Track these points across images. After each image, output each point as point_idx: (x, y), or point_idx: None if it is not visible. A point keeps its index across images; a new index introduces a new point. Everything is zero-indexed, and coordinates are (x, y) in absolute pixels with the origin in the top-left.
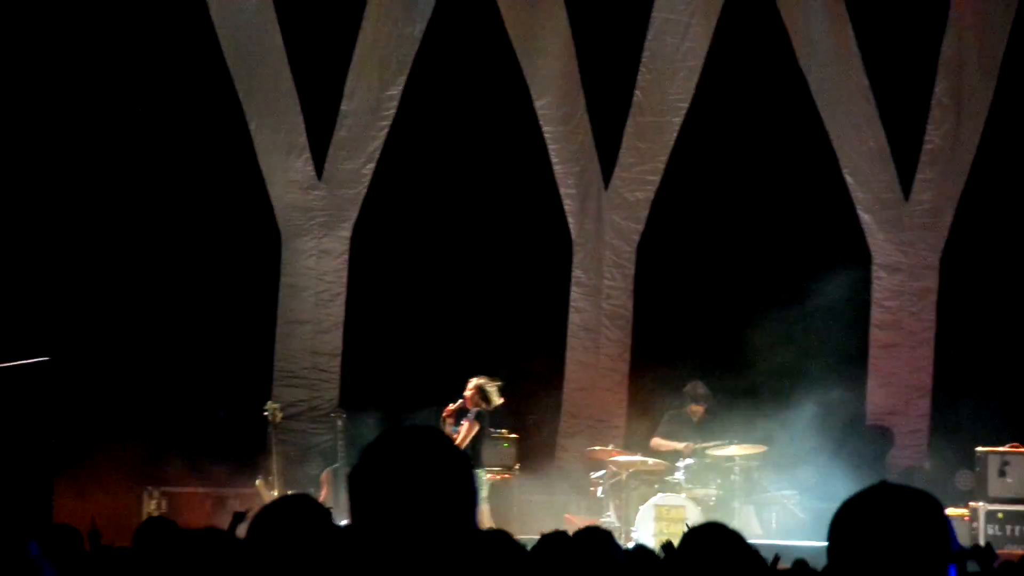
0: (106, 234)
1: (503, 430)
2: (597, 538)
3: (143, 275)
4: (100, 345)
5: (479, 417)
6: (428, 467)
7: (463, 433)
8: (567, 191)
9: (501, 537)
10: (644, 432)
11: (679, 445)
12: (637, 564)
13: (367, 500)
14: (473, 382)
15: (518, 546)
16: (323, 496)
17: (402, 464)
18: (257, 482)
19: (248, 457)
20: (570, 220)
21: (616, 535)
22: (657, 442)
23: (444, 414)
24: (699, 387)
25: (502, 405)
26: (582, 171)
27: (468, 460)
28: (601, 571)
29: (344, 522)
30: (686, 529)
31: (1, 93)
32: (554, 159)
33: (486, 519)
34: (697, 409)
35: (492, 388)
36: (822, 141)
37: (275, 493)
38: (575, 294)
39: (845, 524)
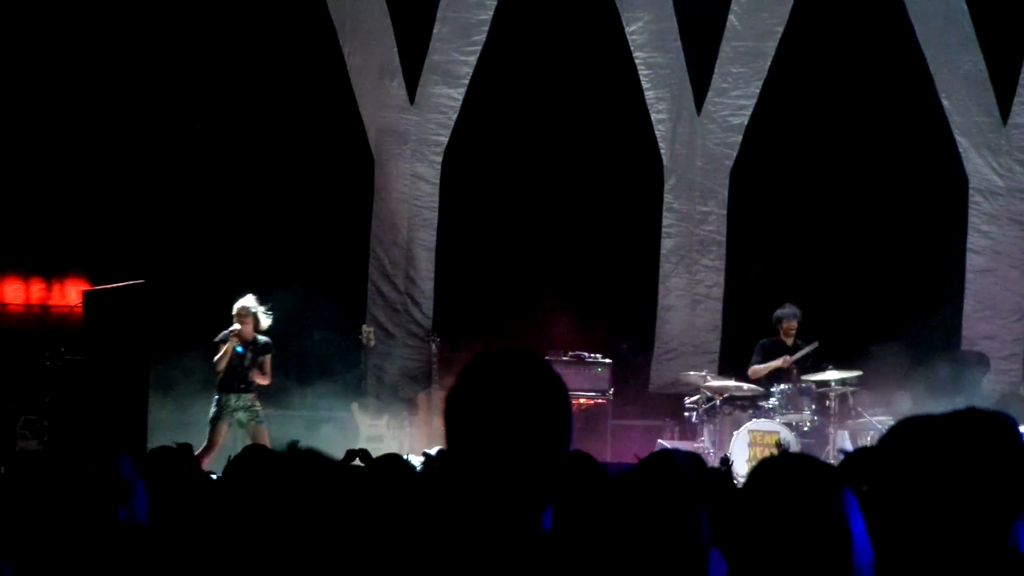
0: (202, 160)
1: (597, 355)
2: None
3: (239, 199)
4: (196, 269)
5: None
6: (524, 390)
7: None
8: (658, 116)
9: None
10: (738, 357)
11: (777, 362)
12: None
13: (463, 422)
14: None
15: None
16: (417, 419)
17: (499, 387)
18: (352, 405)
19: (343, 380)
20: (662, 146)
21: (709, 460)
22: (755, 369)
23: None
24: (789, 306)
25: (597, 329)
26: (674, 96)
27: (564, 385)
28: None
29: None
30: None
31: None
32: (645, 85)
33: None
34: (790, 327)
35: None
36: (918, 64)
37: (369, 416)
38: (667, 220)
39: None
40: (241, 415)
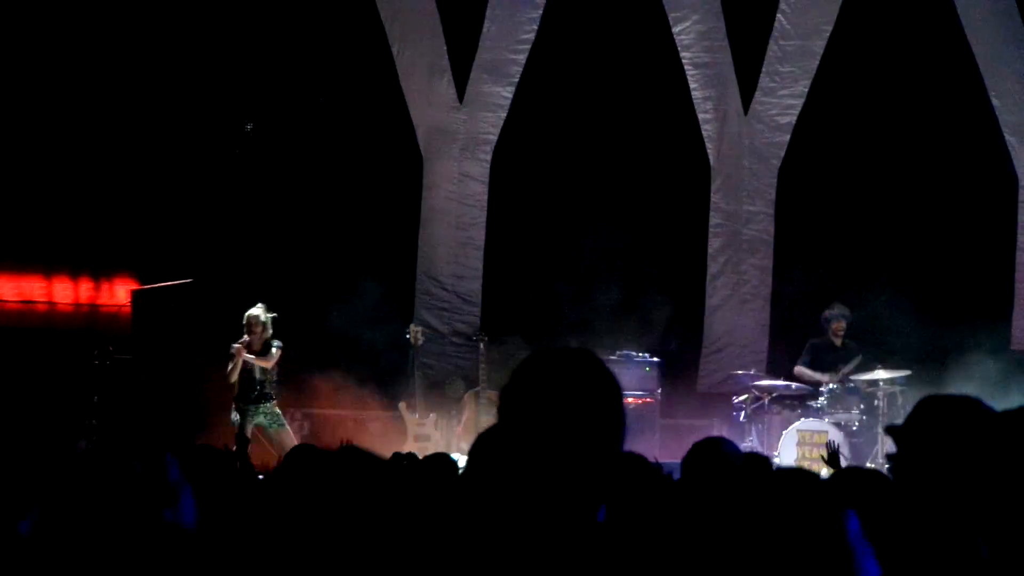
0: (252, 159)
1: (645, 355)
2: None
3: (288, 198)
4: (244, 268)
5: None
6: (579, 388)
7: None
8: (705, 116)
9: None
10: (786, 356)
11: (823, 378)
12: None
13: (517, 419)
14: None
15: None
16: (465, 419)
17: (553, 385)
18: (400, 405)
19: (390, 380)
20: (708, 146)
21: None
22: (800, 371)
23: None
24: (837, 306)
25: (645, 329)
26: (721, 96)
27: (618, 383)
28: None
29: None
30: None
31: (167, 23)
32: (692, 84)
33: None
34: (839, 327)
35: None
36: (968, 63)
37: (417, 416)
38: (714, 219)
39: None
40: (262, 419)
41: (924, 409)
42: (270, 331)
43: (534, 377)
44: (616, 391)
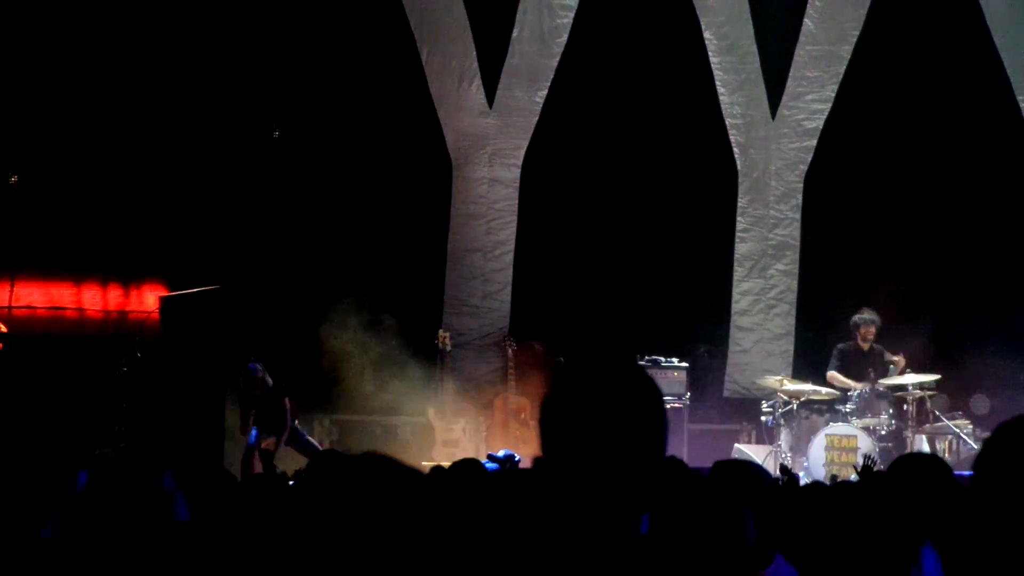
0: (280, 166)
1: (673, 359)
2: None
3: (317, 204)
4: (272, 274)
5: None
6: (620, 396)
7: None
8: (733, 121)
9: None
10: (814, 362)
11: (856, 385)
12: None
13: (558, 428)
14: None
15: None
16: (493, 423)
17: (595, 393)
18: (429, 410)
19: (419, 385)
20: (735, 150)
21: (787, 464)
22: (833, 375)
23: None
24: (866, 311)
25: (672, 334)
26: (748, 101)
27: (660, 394)
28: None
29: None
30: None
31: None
32: (720, 89)
33: None
34: (867, 332)
35: None
36: (995, 66)
37: (445, 421)
38: (741, 224)
39: (997, 448)
40: None
41: (1006, 434)
42: (269, 381)
43: (575, 386)
44: (657, 398)
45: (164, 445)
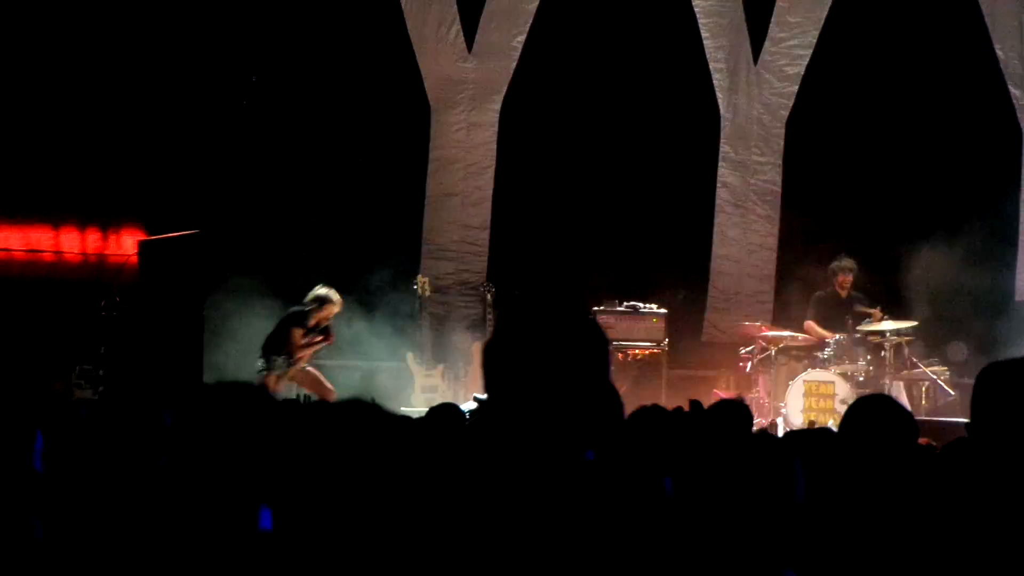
0: (258, 110)
1: (651, 305)
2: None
3: (294, 148)
4: (250, 219)
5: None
6: (561, 338)
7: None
8: (716, 66)
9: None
10: (793, 307)
11: (832, 336)
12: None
13: (501, 371)
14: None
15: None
16: (472, 369)
17: (536, 335)
18: (407, 355)
19: (397, 330)
20: (719, 95)
21: (765, 410)
22: (810, 325)
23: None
24: (844, 258)
25: (651, 279)
26: (731, 45)
27: (602, 333)
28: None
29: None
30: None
31: None
32: (704, 34)
33: None
34: (845, 280)
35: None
36: (973, 14)
37: (424, 367)
38: (723, 169)
39: (987, 389)
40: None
41: (990, 376)
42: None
43: (515, 330)
44: (600, 340)
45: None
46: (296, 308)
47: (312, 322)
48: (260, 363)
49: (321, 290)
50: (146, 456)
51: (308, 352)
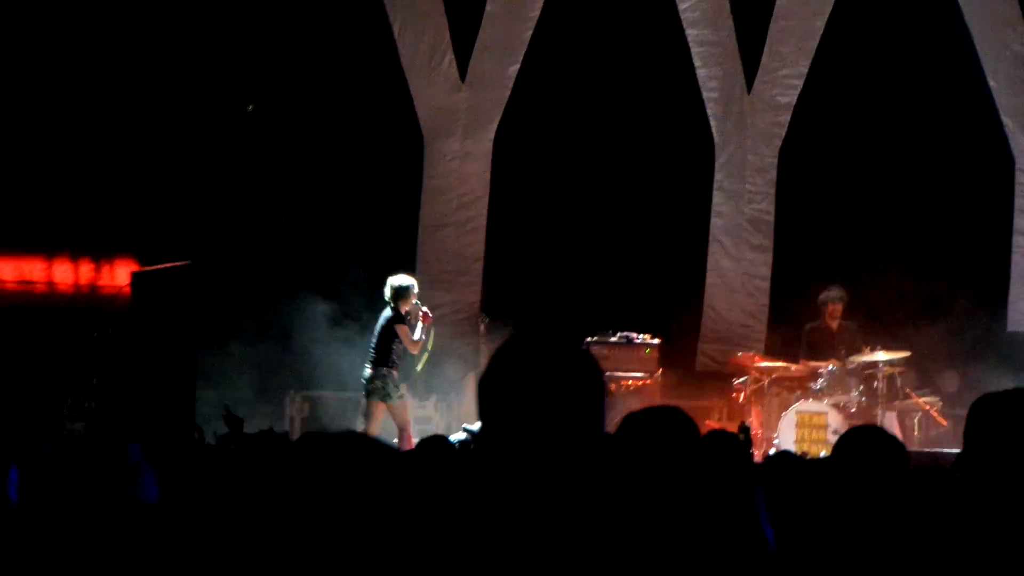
0: (252, 140)
1: (645, 335)
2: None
3: (288, 179)
4: (243, 249)
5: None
6: (556, 372)
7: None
8: (710, 95)
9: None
10: (786, 338)
11: (834, 366)
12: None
13: (495, 404)
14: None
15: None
16: (465, 400)
17: (531, 369)
18: (401, 386)
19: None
20: (712, 124)
21: (758, 441)
22: (805, 363)
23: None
24: (833, 288)
25: (645, 309)
26: (725, 74)
27: (597, 366)
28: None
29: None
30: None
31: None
32: (697, 63)
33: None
34: (835, 309)
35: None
36: (966, 44)
37: (417, 398)
38: (717, 198)
39: (980, 420)
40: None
41: (984, 408)
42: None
43: (510, 362)
44: (595, 373)
45: (133, 419)
46: (384, 313)
47: (404, 310)
48: (391, 387)
49: (393, 281)
50: (111, 489)
51: (419, 344)
